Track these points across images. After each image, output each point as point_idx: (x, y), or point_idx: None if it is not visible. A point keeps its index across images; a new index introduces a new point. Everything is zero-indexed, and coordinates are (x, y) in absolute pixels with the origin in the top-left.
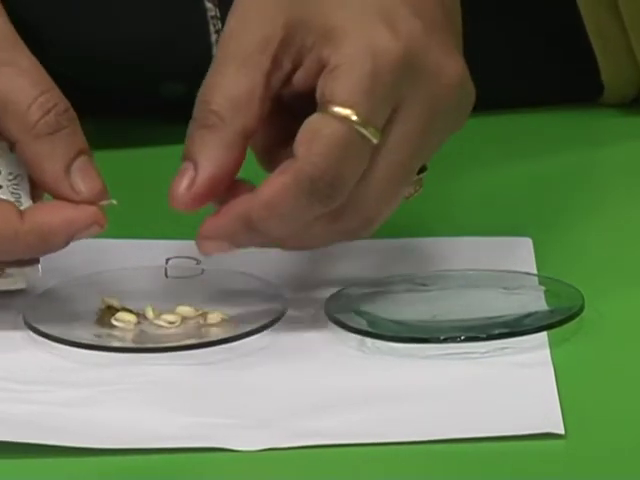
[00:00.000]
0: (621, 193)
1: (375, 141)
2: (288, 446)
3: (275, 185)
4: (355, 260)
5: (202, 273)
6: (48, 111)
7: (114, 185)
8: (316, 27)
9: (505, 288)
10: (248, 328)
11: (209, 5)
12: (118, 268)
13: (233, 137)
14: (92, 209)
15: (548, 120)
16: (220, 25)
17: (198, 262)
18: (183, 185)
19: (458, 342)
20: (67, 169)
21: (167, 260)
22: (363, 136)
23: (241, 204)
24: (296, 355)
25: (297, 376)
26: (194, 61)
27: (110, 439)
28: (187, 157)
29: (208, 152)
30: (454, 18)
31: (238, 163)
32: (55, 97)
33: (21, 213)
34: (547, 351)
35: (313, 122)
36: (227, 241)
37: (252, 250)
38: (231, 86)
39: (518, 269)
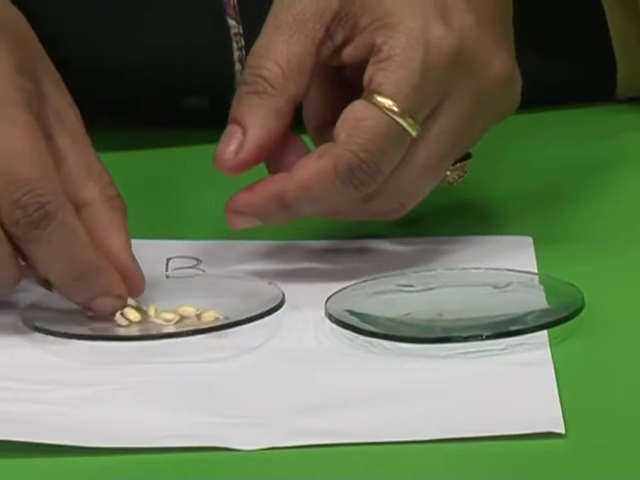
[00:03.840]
0: (622, 192)
1: (414, 134)
2: (288, 445)
3: (313, 168)
4: (355, 260)
5: (203, 274)
6: (119, 195)
7: (115, 184)
8: (372, 8)
9: (504, 286)
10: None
11: (232, 22)
12: None
13: (283, 104)
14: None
15: (548, 119)
16: (242, 42)
17: (198, 262)
18: (231, 149)
19: (480, 340)
20: (129, 247)
21: (168, 260)
22: (403, 128)
23: (276, 183)
24: (296, 355)
25: (297, 376)
26: (217, 77)
27: (110, 439)
28: (235, 121)
29: (258, 118)
30: (506, 11)
31: (286, 130)
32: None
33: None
34: (547, 350)
35: (357, 109)
36: (257, 217)
37: (253, 248)
38: (283, 53)
39: (519, 268)
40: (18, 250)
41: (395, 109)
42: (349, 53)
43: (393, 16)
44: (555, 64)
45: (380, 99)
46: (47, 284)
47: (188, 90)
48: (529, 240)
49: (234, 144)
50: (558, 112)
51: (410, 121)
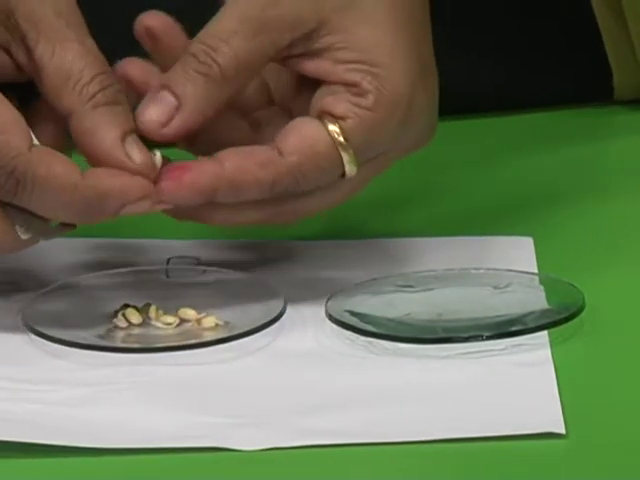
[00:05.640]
0: (623, 192)
1: (350, 176)
2: (288, 446)
3: (252, 175)
4: (355, 260)
5: (203, 274)
6: (106, 87)
7: None
8: (358, 47)
9: (504, 286)
10: (243, 331)
11: None
12: (119, 268)
13: (225, 97)
14: (146, 182)
15: (548, 119)
16: None
17: (199, 262)
18: (159, 117)
19: (481, 341)
20: (123, 138)
21: (168, 260)
22: (345, 168)
23: (208, 178)
24: (296, 355)
25: (297, 376)
26: None
27: (110, 439)
28: (171, 90)
29: (198, 102)
30: None
31: (213, 118)
32: (112, 78)
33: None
34: (548, 350)
35: (313, 133)
36: (180, 206)
37: (253, 248)
38: (244, 48)
39: (519, 268)
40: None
41: (349, 151)
42: (307, 67)
43: (384, 69)
44: (553, 69)
45: (338, 132)
46: (66, 225)
47: None
48: (529, 240)
49: (164, 114)
50: (558, 113)
51: (354, 163)
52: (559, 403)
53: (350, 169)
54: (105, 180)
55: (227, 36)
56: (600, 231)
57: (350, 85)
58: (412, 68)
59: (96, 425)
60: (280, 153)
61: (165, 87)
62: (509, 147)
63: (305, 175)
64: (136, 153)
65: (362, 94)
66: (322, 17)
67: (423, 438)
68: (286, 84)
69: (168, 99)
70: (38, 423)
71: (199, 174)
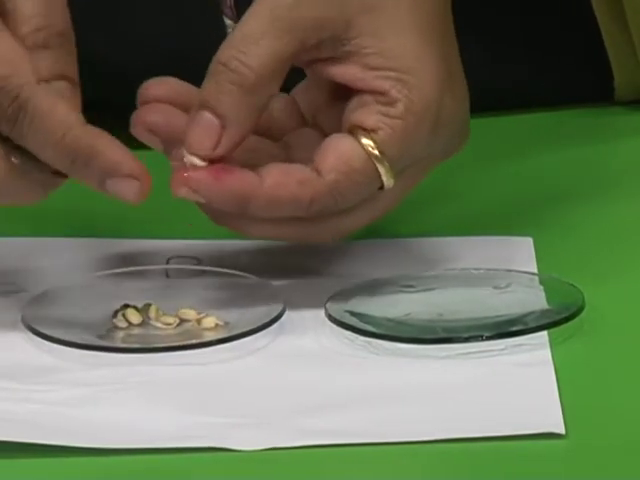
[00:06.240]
0: (623, 193)
1: (388, 187)
2: (288, 446)
3: (290, 193)
4: (355, 260)
5: (203, 274)
6: (40, 29)
7: None
8: (387, 54)
9: (504, 287)
10: (243, 331)
11: (229, 22)
12: (119, 268)
13: (265, 102)
14: (140, 166)
15: (549, 119)
16: None
17: (199, 262)
18: (208, 144)
19: (481, 341)
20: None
21: (168, 260)
22: (383, 180)
23: (245, 186)
24: (296, 355)
25: (297, 376)
26: None
27: (110, 439)
28: (212, 109)
29: (240, 115)
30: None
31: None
32: (53, 19)
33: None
34: (547, 350)
35: (349, 150)
36: (207, 201)
37: (253, 248)
38: (274, 49)
39: (519, 268)
40: (18, 148)
41: (385, 164)
42: (335, 72)
43: (413, 75)
44: (553, 70)
45: (374, 147)
46: (58, 173)
47: None
48: (529, 240)
49: (211, 138)
50: (557, 114)
51: (391, 179)
52: (559, 403)
53: (388, 181)
54: (102, 141)
55: (257, 37)
56: (600, 231)
57: (379, 94)
58: (439, 74)
59: (96, 425)
60: (318, 172)
61: (204, 107)
62: (509, 147)
63: (343, 193)
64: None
65: (391, 103)
66: (348, 18)
67: (423, 438)
68: (316, 101)
69: (211, 121)
70: (38, 423)
71: (238, 179)
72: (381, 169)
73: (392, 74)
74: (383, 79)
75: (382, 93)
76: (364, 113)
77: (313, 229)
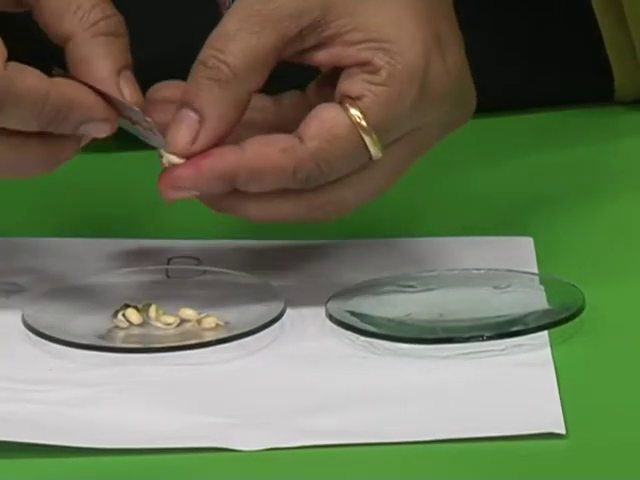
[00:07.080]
0: (623, 193)
1: (377, 158)
2: (288, 446)
3: (272, 161)
4: (355, 260)
5: (203, 274)
6: (108, 16)
7: (116, 185)
8: (365, 27)
9: (504, 287)
10: (243, 331)
11: None
12: (119, 268)
13: (244, 96)
14: (109, 108)
15: (549, 119)
16: None
17: (199, 262)
18: (186, 138)
19: (481, 341)
20: (119, 72)
21: (168, 260)
22: (370, 151)
23: (227, 162)
24: (297, 355)
25: (298, 376)
26: None
27: (110, 439)
28: (190, 106)
29: (218, 108)
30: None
31: (239, 121)
32: (114, 9)
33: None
34: (548, 351)
35: (332, 117)
36: (199, 192)
37: (253, 248)
38: (252, 43)
39: (519, 268)
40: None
41: (373, 136)
42: (321, 57)
43: (393, 43)
44: (553, 70)
45: (359, 115)
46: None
47: None
48: (529, 240)
49: (189, 133)
50: (558, 114)
51: (379, 148)
52: (559, 403)
53: (375, 152)
54: (73, 90)
55: (232, 34)
56: (601, 231)
57: (363, 64)
58: (423, 39)
59: (96, 425)
60: (301, 139)
61: (184, 104)
62: (509, 147)
63: (327, 160)
64: (128, 89)
65: (375, 71)
66: (325, 2)
67: (423, 438)
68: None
69: (189, 116)
70: (38, 423)
71: (218, 160)
72: (367, 139)
73: (373, 44)
74: (365, 50)
75: (366, 63)
76: (350, 82)
77: (313, 204)
